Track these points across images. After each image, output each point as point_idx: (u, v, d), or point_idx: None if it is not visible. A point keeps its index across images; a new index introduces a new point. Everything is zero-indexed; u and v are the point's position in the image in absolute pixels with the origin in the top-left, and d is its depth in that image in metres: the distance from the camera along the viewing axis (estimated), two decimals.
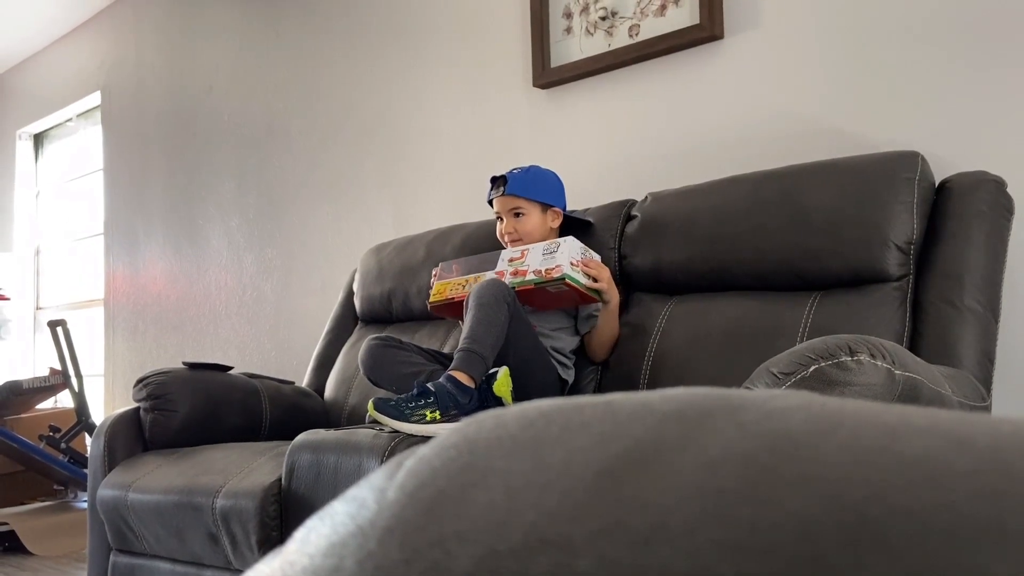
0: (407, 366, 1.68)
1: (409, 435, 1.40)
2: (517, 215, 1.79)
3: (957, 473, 0.18)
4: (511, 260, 1.69)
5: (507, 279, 1.66)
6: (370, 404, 1.43)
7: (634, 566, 0.18)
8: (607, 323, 1.72)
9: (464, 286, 1.72)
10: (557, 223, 1.83)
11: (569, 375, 1.76)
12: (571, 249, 1.64)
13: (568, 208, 1.88)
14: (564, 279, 1.60)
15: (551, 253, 1.64)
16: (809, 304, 1.51)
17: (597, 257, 1.71)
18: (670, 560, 0.18)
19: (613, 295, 1.70)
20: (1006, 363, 1.49)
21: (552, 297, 1.67)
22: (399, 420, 1.41)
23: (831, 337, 1.06)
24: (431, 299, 1.80)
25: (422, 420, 1.42)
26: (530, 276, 1.64)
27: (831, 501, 0.18)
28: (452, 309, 1.79)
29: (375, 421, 1.44)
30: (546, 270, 1.62)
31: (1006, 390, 1.51)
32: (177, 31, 3.59)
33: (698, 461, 0.20)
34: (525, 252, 1.68)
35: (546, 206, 1.80)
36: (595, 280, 1.66)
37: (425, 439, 1.40)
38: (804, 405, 0.22)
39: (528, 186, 1.79)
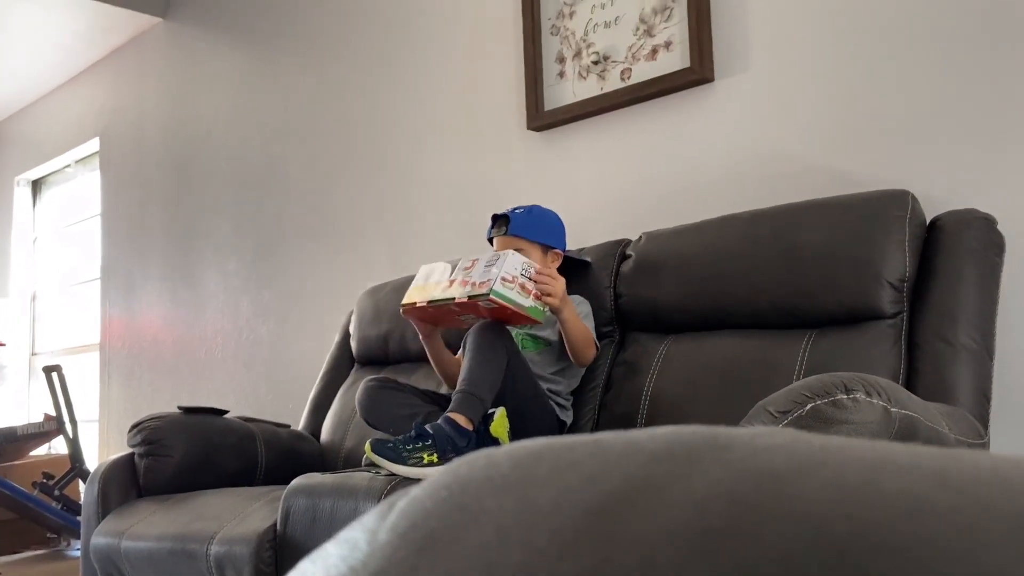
0: (404, 408, 1.67)
1: (406, 478, 1.39)
2: None
3: (937, 509, 0.19)
4: (465, 268, 1.63)
5: (455, 288, 1.60)
6: (367, 446, 1.42)
7: None
8: (570, 332, 1.66)
9: (426, 290, 1.65)
10: (557, 264, 1.81)
11: (567, 416, 1.75)
12: (509, 264, 1.57)
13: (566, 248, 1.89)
14: (489, 295, 1.53)
15: (491, 266, 1.59)
16: (804, 342, 1.51)
17: (536, 267, 1.63)
18: None
19: (568, 308, 1.64)
20: (1002, 400, 1.49)
21: (491, 312, 1.60)
22: (396, 463, 1.40)
23: (827, 375, 1.06)
24: (406, 301, 1.69)
25: (419, 463, 1.41)
26: (467, 288, 1.58)
27: (814, 537, 0.18)
28: (422, 312, 1.68)
29: (372, 464, 1.43)
30: (479, 283, 1.56)
31: (1003, 427, 1.50)
32: (176, 77, 3.65)
33: (685, 499, 0.21)
34: (475, 262, 1.63)
35: (547, 247, 1.80)
36: (541, 295, 1.59)
37: (421, 482, 1.38)
38: (789, 443, 0.23)
39: (531, 227, 1.77)
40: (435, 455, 1.43)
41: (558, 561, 0.19)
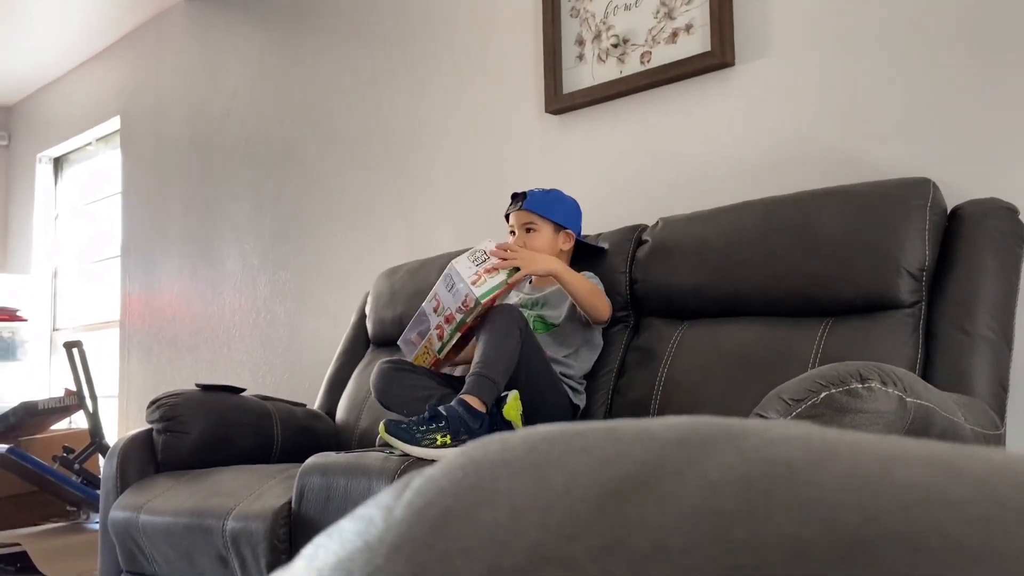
0: (418, 390, 1.69)
1: (419, 459, 1.40)
2: (529, 231, 1.80)
3: (950, 500, 0.19)
4: (435, 310, 1.68)
5: (447, 331, 1.66)
6: (381, 427, 1.44)
7: None
8: (568, 284, 1.68)
9: (428, 350, 1.72)
10: (568, 246, 1.83)
11: (581, 400, 1.75)
12: (461, 271, 1.63)
13: (582, 235, 1.89)
14: (480, 304, 1.60)
15: (453, 287, 1.64)
16: (821, 330, 1.51)
17: (492, 246, 1.67)
18: None
19: (548, 265, 1.67)
20: (1020, 391, 1.48)
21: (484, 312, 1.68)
22: (410, 443, 1.42)
23: (842, 364, 1.06)
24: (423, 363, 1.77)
25: (433, 444, 1.42)
26: (458, 316, 1.64)
27: (826, 524, 0.18)
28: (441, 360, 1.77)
29: (386, 444, 1.44)
30: (462, 305, 1.62)
31: (1021, 418, 1.49)
32: (197, 57, 3.65)
33: (698, 484, 0.21)
34: (437, 299, 1.68)
35: (559, 227, 1.82)
36: (505, 260, 1.64)
37: (434, 463, 1.40)
38: (803, 435, 0.23)
39: (545, 205, 1.81)
40: (448, 437, 1.44)
41: (571, 542, 0.19)
